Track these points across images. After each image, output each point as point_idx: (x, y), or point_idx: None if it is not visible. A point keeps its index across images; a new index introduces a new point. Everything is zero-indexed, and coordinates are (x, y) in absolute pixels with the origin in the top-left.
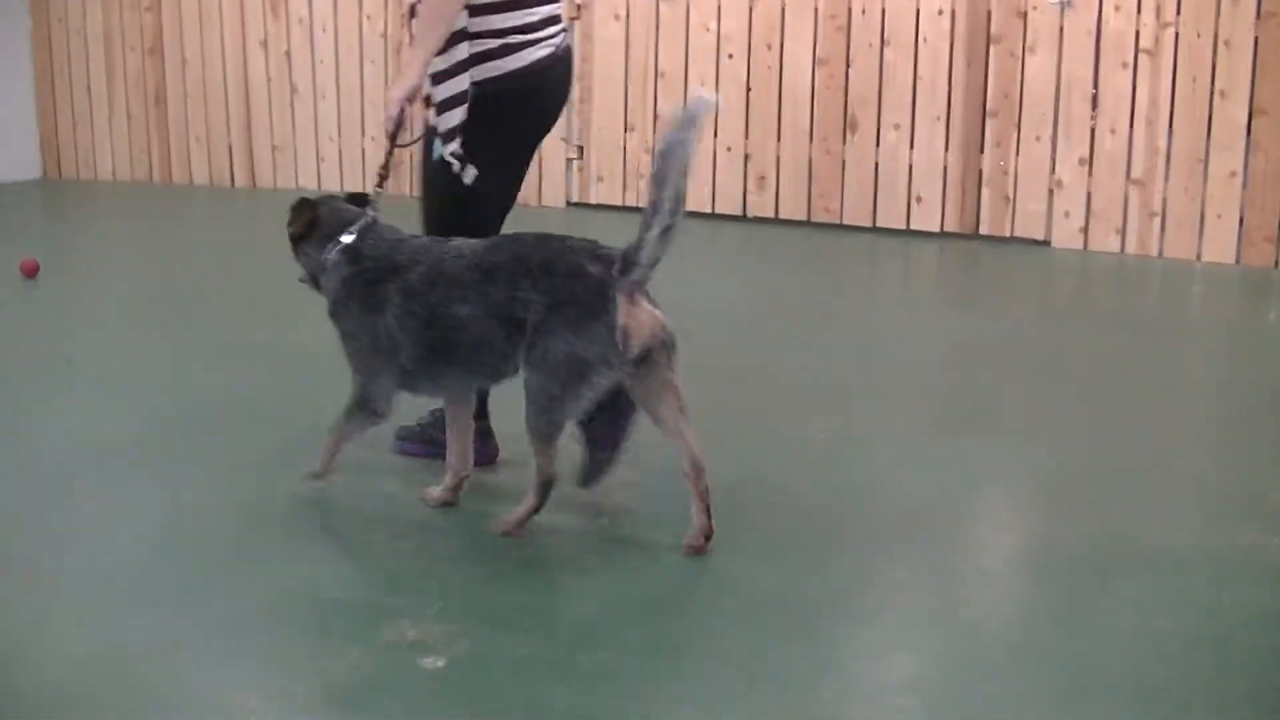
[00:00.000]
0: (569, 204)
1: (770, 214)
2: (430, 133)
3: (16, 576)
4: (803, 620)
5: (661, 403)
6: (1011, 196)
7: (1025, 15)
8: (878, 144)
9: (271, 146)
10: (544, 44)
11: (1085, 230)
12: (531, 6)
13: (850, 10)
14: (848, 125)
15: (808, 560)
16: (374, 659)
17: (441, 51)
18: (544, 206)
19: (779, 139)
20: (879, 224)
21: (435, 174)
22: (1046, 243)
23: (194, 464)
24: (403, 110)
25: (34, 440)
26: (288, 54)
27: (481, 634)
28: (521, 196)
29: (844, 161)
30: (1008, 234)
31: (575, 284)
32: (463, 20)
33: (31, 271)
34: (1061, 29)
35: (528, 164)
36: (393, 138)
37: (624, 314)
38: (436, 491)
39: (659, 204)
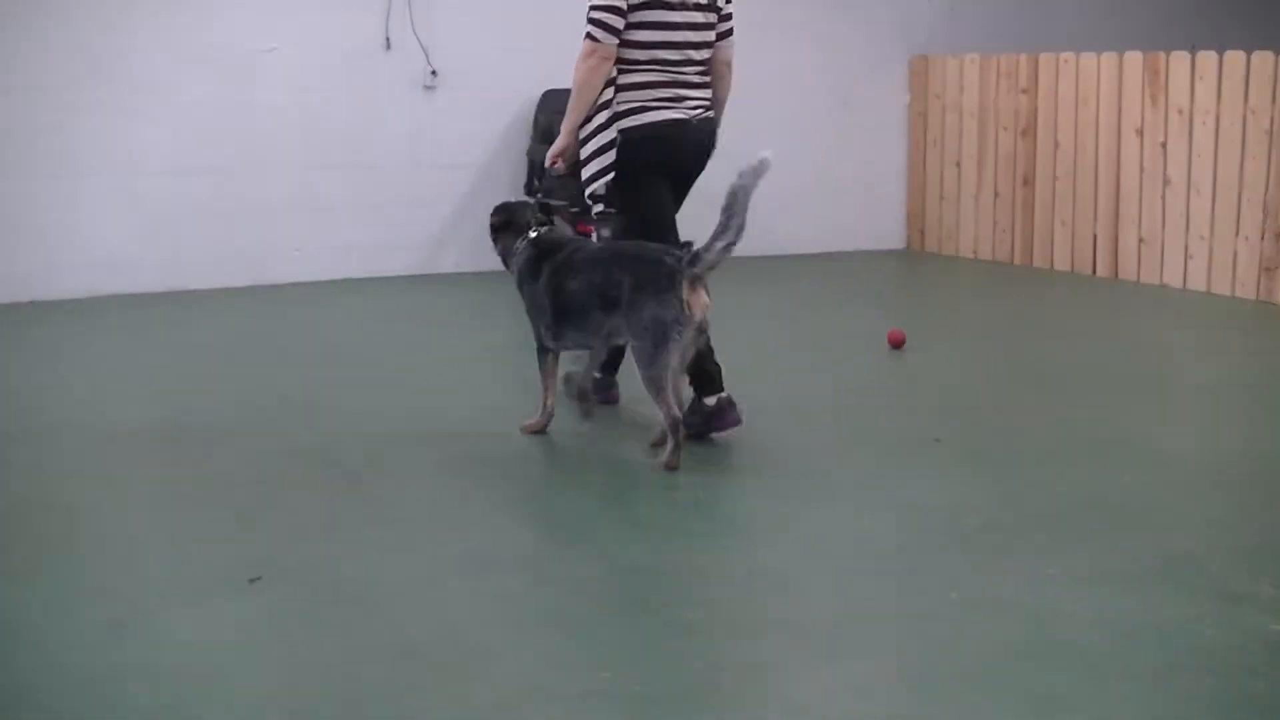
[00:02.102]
0: None
1: None
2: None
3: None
4: None
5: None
6: None
7: None
8: None
9: (1138, 239)
10: (676, 110)
11: None
12: (673, 89)
13: None
14: None
15: None
16: None
17: (588, 120)
18: None
19: None
20: None
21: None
22: None
23: (1082, 559)
24: (554, 163)
25: (899, 515)
26: (1163, 144)
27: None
28: None
29: None
30: None
31: (656, 269)
32: (608, 94)
33: (899, 343)
34: None
35: (659, 201)
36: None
37: (687, 293)
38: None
39: (727, 226)
